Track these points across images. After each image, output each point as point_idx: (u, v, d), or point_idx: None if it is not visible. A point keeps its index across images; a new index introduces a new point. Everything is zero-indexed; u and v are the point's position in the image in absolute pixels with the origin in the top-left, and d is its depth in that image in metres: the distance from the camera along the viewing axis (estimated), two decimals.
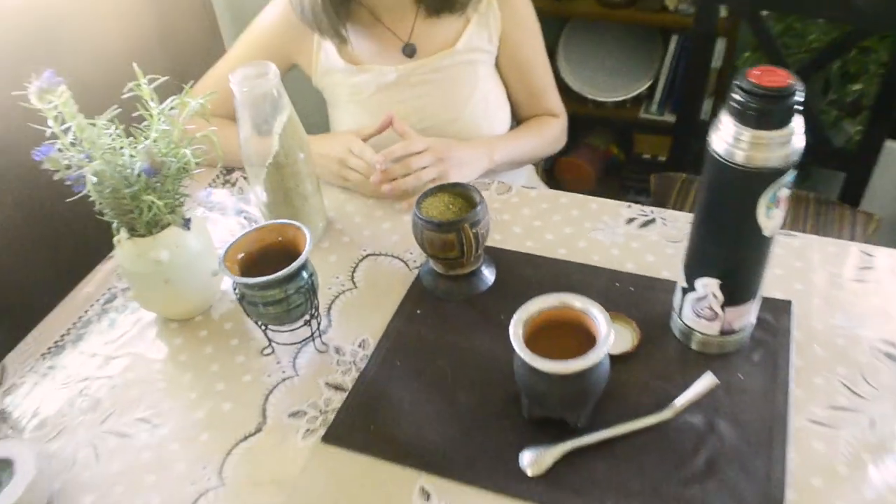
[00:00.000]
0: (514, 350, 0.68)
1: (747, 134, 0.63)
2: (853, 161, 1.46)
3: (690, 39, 1.65)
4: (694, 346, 0.80)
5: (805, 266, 0.90)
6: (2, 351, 0.90)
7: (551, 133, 1.24)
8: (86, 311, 0.94)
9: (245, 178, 1.14)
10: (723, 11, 1.82)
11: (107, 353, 0.88)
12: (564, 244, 0.96)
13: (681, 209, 1.51)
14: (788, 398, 0.74)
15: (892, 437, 0.70)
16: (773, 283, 0.87)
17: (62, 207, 0.80)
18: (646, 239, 0.96)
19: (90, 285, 0.98)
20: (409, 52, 1.14)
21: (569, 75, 2.12)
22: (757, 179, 0.64)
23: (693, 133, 1.63)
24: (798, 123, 0.63)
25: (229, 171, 1.16)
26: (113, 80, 0.82)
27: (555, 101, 1.25)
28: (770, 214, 0.66)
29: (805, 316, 0.83)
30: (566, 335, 0.70)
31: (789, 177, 0.65)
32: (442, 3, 1.10)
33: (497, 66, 1.20)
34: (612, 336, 0.67)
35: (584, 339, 0.69)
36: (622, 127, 2.20)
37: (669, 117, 2.04)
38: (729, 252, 0.71)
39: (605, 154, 2.21)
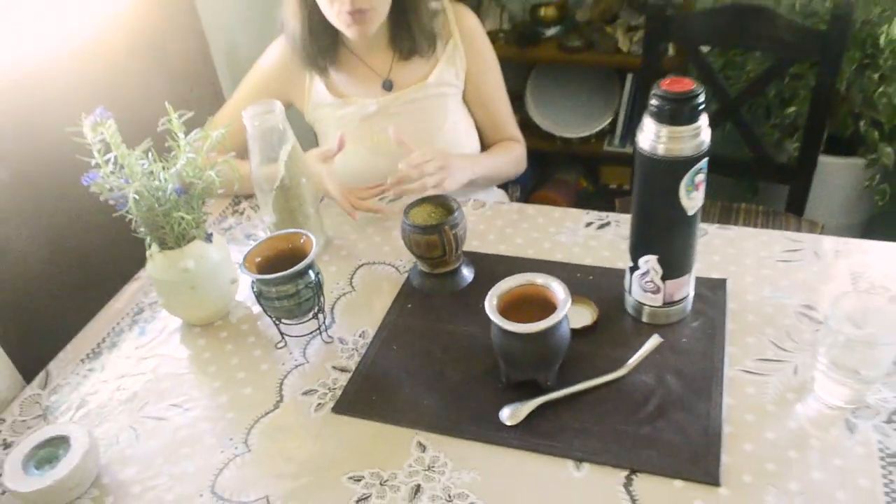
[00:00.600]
0: (491, 322, 0.82)
1: (664, 130, 0.79)
2: (794, 175, 1.63)
3: (642, 77, 1.84)
4: (644, 319, 0.94)
5: (738, 252, 1.05)
6: (44, 359, 1.02)
7: (515, 155, 1.40)
8: (118, 323, 1.07)
9: (252, 207, 1.29)
10: (672, 50, 2.03)
11: (139, 355, 1.01)
12: (532, 246, 1.11)
13: None
14: (724, 354, 0.88)
15: (811, 380, 0.84)
16: (712, 266, 1.03)
17: (90, 231, 0.94)
18: (602, 238, 1.11)
19: (120, 301, 1.11)
20: (388, 86, 1.31)
21: (537, 115, 2.31)
22: (676, 167, 0.80)
23: None
24: (703, 120, 0.79)
25: (237, 201, 1.31)
26: (134, 118, 0.98)
27: (515, 129, 1.42)
28: (690, 196, 0.82)
29: (738, 291, 0.98)
30: (533, 307, 0.84)
31: (702, 164, 0.81)
32: (412, 49, 1.28)
33: (465, 100, 1.37)
34: (570, 301, 0.82)
35: (547, 308, 0.83)
36: (589, 160, 2.39)
37: (630, 149, 2.22)
38: (661, 231, 0.86)
39: (576, 186, 2.39)
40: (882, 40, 1.61)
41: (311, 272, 0.93)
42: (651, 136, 0.80)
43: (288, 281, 0.90)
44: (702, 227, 1.09)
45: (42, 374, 0.99)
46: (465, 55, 1.32)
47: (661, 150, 0.80)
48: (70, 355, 1.02)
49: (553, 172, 2.42)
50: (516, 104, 2.36)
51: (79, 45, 1.28)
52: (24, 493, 0.77)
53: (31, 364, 1.02)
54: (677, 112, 0.78)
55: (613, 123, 2.25)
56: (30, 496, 0.77)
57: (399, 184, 1.15)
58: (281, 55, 1.30)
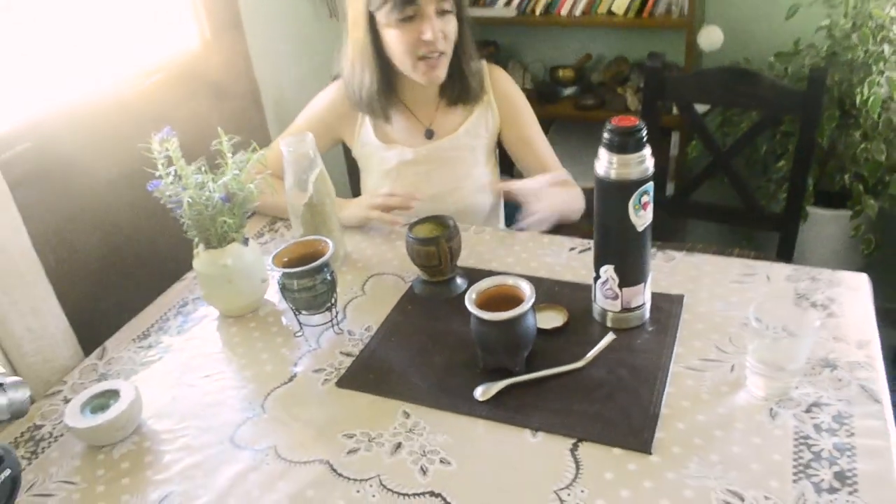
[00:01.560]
0: (470, 314, 0.99)
1: (615, 158, 0.96)
2: (782, 224, 1.77)
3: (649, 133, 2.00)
4: (608, 324, 1.09)
5: (699, 274, 1.20)
6: (101, 338, 1.22)
7: (576, 192, 1.48)
8: (165, 312, 1.27)
9: (285, 227, 1.49)
10: (675, 109, 2.21)
11: (181, 338, 1.20)
12: (520, 264, 1.28)
13: None
14: (672, 354, 1.03)
15: (744, 377, 0.98)
16: (674, 285, 1.18)
17: (144, 235, 1.15)
18: (582, 261, 1.27)
19: (168, 296, 1.31)
20: (429, 135, 1.50)
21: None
22: (625, 189, 0.97)
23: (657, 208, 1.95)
24: (647, 150, 0.97)
25: (273, 221, 1.52)
26: (191, 145, 1.19)
27: (561, 168, 1.52)
28: (638, 214, 0.99)
29: (693, 304, 1.13)
30: (506, 304, 1.00)
31: (647, 187, 0.97)
32: (458, 97, 1.47)
33: (507, 147, 1.53)
34: (534, 298, 0.98)
35: (517, 304, 0.99)
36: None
37: None
38: (617, 244, 1.03)
39: (589, 232, 2.54)
40: (858, 100, 1.77)
41: (326, 271, 1.12)
42: (605, 164, 0.98)
43: (306, 275, 1.09)
44: (670, 253, 1.26)
45: (99, 349, 1.19)
46: (498, 109, 1.50)
47: (612, 174, 0.97)
48: (124, 335, 1.22)
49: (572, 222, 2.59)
50: None
51: (151, 82, 1.53)
52: (79, 429, 0.95)
53: (90, 343, 1.22)
54: (624, 143, 0.95)
55: None
56: (84, 432, 0.96)
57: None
58: (338, 97, 1.49)
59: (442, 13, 1.32)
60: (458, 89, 1.45)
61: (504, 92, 1.51)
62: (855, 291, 1.13)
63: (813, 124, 1.63)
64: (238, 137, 1.15)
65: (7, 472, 0.74)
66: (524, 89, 2.54)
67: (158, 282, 1.33)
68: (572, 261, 1.28)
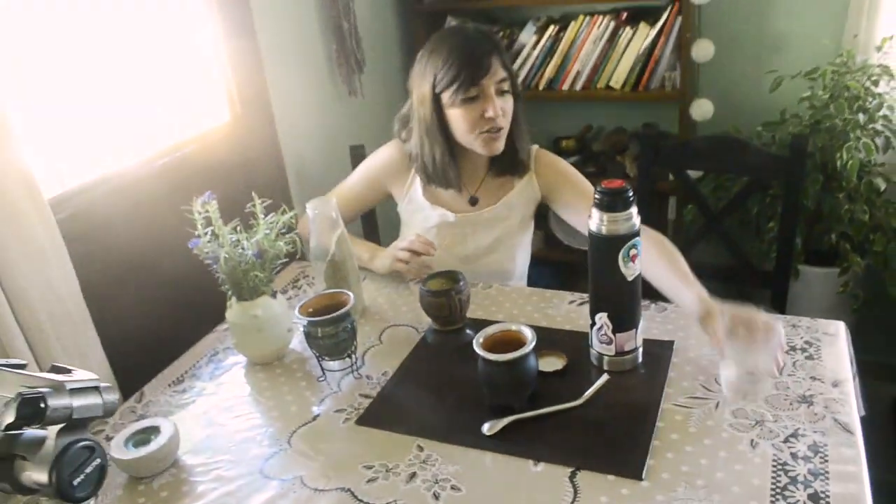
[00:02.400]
0: (478, 357, 1.09)
1: (605, 216, 1.09)
2: (774, 282, 1.88)
3: (638, 197, 2.11)
4: (604, 367, 1.19)
5: (687, 323, 1.30)
6: (138, 384, 1.33)
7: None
8: (198, 361, 1.38)
9: (308, 284, 1.62)
10: (672, 175, 2.35)
11: (213, 383, 1.31)
12: (524, 316, 1.39)
13: None
14: (662, 393, 1.13)
15: (730, 414, 1.07)
16: (664, 333, 1.28)
17: (178, 289, 1.27)
18: (581, 312, 1.38)
19: (200, 346, 1.43)
20: (473, 201, 1.62)
21: (559, 231, 2.63)
22: (614, 243, 1.09)
23: None
24: (634, 209, 1.09)
25: (297, 279, 1.64)
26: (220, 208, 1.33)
27: None
28: (627, 266, 1.10)
29: (682, 350, 1.23)
30: (510, 347, 1.11)
31: (635, 241, 1.09)
32: (507, 168, 1.58)
33: (565, 209, 1.59)
34: (535, 341, 1.08)
35: (520, 348, 1.10)
36: None
37: None
38: (609, 293, 1.14)
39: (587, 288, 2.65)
40: (839, 165, 1.90)
41: (347, 320, 1.23)
42: (597, 221, 1.10)
43: (329, 324, 1.21)
44: (662, 305, 1.37)
45: (138, 394, 1.30)
46: (540, 185, 1.60)
47: (604, 230, 1.09)
48: (160, 381, 1.33)
49: (575, 281, 2.70)
50: (541, 222, 2.72)
51: (188, 151, 1.70)
52: (123, 461, 1.06)
53: (128, 388, 1.32)
54: (613, 202, 1.08)
55: None
56: (127, 463, 1.06)
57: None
58: (393, 155, 1.62)
59: (501, 93, 1.46)
60: (509, 161, 1.57)
61: (550, 167, 1.61)
62: (832, 336, 1.23)
63: (797, 188, 1.76)
64: (270, 200, 1.29)
65: (98, 461, 0.86)
66: None
67: (191, 333, 1.44)
68: (571, 312, 1.39)
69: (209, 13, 1.80)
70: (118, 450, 1.08)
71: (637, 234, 1.10)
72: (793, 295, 1.96)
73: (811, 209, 2.05)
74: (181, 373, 1.35)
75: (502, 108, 1.46)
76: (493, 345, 1.12)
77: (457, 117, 1.47)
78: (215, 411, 1.23)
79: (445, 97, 1.46)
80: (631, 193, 1.09)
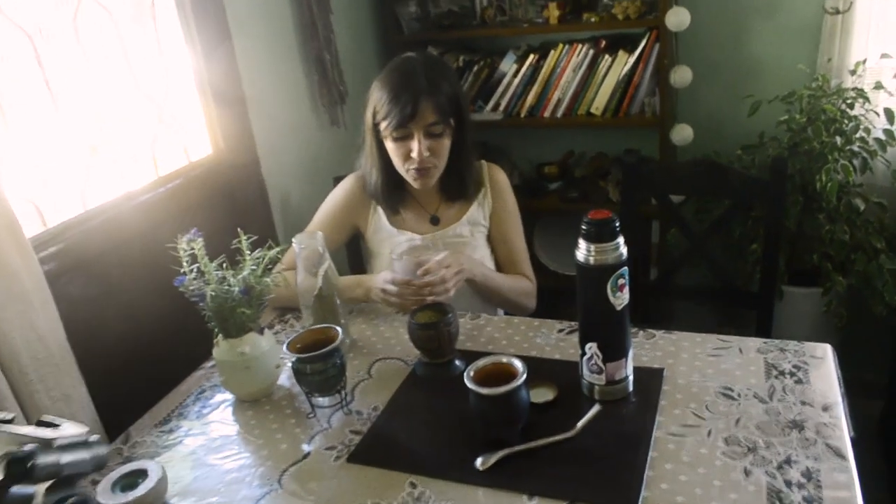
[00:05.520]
0: (469, 391, 1.09)
1: (592, 247, 1.09)
2: (757, 303, 1.89)
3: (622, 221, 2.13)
4: (596, 396, 1.19)
5: (677, 350, 1.31)
6: (124, 424, 1.30)
7: (523, 286, 1.68)
8: (185, 399, 1.36)
9: (295, 318, 1.60)
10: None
11: (200, 422, 1.29)
12: (513, 346, 1.39)
13: None
14: (654, 422, 1.12)
15: (723, 441, 1.07)
16: (654, 360, 1.29)
17: (164, 328, 1.26)
18: (570, 341, 1.38)
19: (187, 384, 1.41)
20: (435, 221, 1.66)
21: (544, 256, 2.65)
22: (601, 273, 1.09)
23: (643, 292, 2.07)
24: (620, 239, 1.10)
25: (284, 313, 1.63)
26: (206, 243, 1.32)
27: (528, 269, 1.71)
28: (616, 295, 1.11)
29: (672, 377, 1.23)
30: (501, 380, 1.10)
31: (622, 271, 1.10)
32: (458, 194, 1.63)
33: (488, 238, 1.69)
34: (525, 375, 1.08)
35: (511, 381, 1.10)
36: None
37: None
38: (598, 323, 1.14)
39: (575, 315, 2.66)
40: (818, 186, 1.93)
41: (336, 355, 1.22)
42: (584, 252, 1.11)
43: (319, 360, 1.20)
44: (651, 332, 1.38)
45: (124, 435, 1.27)
46: (493, 202, 1.67)
47: (591, 261, 1.10)
48: (147, 421, 1.31)
49: (560, 305, 2.70)
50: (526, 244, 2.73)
51: (172, 186, 1.69)
52: None
53: (115, 428, 1.30)
54: (600, 233, 1.09)
55: None
56: None
57: (426, 275, 1.39)
58: (352, 189, 1.65)
59: (432, 135, 1.49)
60: (456, 188, 1.62)
61: (499, 189, 1.68)
62: (820, 360, 1.24)
63: (778, 210, 1.78)
64: (256, 236, 1.28)
65: None
66: (513, 185, 2.73)
67: (177, 371, 1.42)
68: (560, 341, 1.39)
69: (189, 50, 1.80)
70: (105, 495, 1.05)
71: (625, 263, 1.11)
72: (778, 315, 1.98)
73: (793, 230, 2.07)
74: (168, 412, 1.33)
75: (431, 149, 1.50)
76: (485, 377, 1.11)
77: (390, 149, 1.53)
78: (203, 451, 1.21)
79: (381, 129, 1.51)
80: (617, 223, 1.10)
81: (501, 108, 2.51)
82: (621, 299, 1.12)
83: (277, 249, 1.30)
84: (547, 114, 2.45)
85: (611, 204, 2.44)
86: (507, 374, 1.11)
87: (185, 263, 1.24)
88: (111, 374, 1.43)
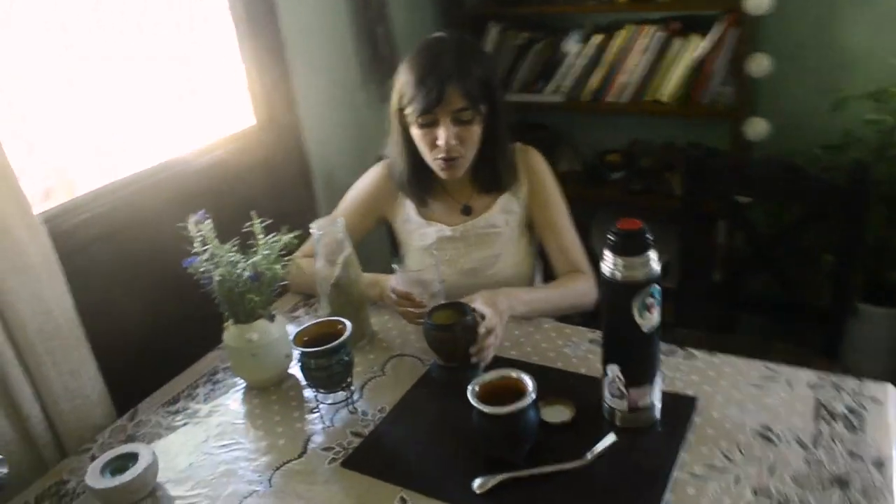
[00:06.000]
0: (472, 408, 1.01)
1: (619, 260, 0.98)
2: (827, 320, 1.72)
3: (683, 219, 1.99)
4: (617, 422, 1.09)
5: (717, 375, 1.18)
6: (137, 400, 1.29)
7: (576, 286, 1.48)
8: (196, 380, 1.34)
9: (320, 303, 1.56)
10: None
11: (207, 406, 1.26)
12: (538, 353, 1.29)
13: None
14: (676, 458, 1.01)
15: (751, 492, 0.95)
16: (690, 385, 1.17)
17: (183, 305, 1.23)
18: (599, 353, 1.27)
19: (201, 364, 1.38)
20: (466, 211, 1.55)
21: (601, 251, 2.50)
22: (628, 290, 0.98)
23: (705, 296, 1.92)
24: (652, 253, 0.98)
25: (309, 297, 1.58)
26: (240, 219, 1.28)
27: (580, 257, 1.55)
28: (643, 315, 0.99)
29: (706, 407, 1.11)
30: (509, 397, 1.02)
31: (652, 289, 0.98)
32: (490, 185, 1.53)
33: (532, 227, 1.56)
34: (534, 395, 0.99)
35: (521, 397, 1.01)
36: None
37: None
38: (622, 344, 1.03)
39: None
40: None
41: (343, 352, 1.16)
42: (610, 265, 0.99)
43: (323, 356, 1.14)
44: (692, 352, 1.25)
45: (131, 411, 1.26)
46: (528, 187, 1.54)
47: (617, 275, 0.99)
48: (156, 399, 1.29)
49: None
50: (583, 237, 2.59)
51: (211, 158, 1.66)
52: (95, 489, 1.02)
53: (127, 403, 1.29)
54: (628, 245, 0.97)
55: (671, 263, 2.41)
56: (100, 492, 1.02)
57: (481, 351, 1.23)
58: (380, 178, 1.57)
59: (460, 122, 1.38)
60: (489, 180, 1.51)
61: (535, 172, 1.55)
62: (878, 405, 1.09)
63: (858, 220, 1.60)
64: (270, 220, 1.23)
65: None
66: (573, 172, 2.61)
67: (194, 349, 1.40)
68: (589, 353, 1.28)
69: (232, 14, 1.75)
70: (93, 477, 1.04)
71: (655, 280, 0.99)
72: (850, 335, 1.80)
73: (873, 243, 1.87)
74: (177, 392, 1.31)
75: (459, 136, 1.39)
76: (491, 393, 1.03)
77: (416, 137, 1.43)
78: (203, 437, 1.18)
79: (407, 114, 1.41)
80: (649, 235, 0.98)
81: (563, 89, 2.37)
82: (649, 321, 1.00)
83: (292, 235, 1.24)
84: (611, 98, 2.30)
85: (674, 198, 2.28)
86: (516, 391, 1.02)
87: (197, 244, 1.20)
88: (126, 351, 1.43)
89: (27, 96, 1.36)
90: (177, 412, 1.25)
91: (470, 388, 1.02)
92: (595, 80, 2.30)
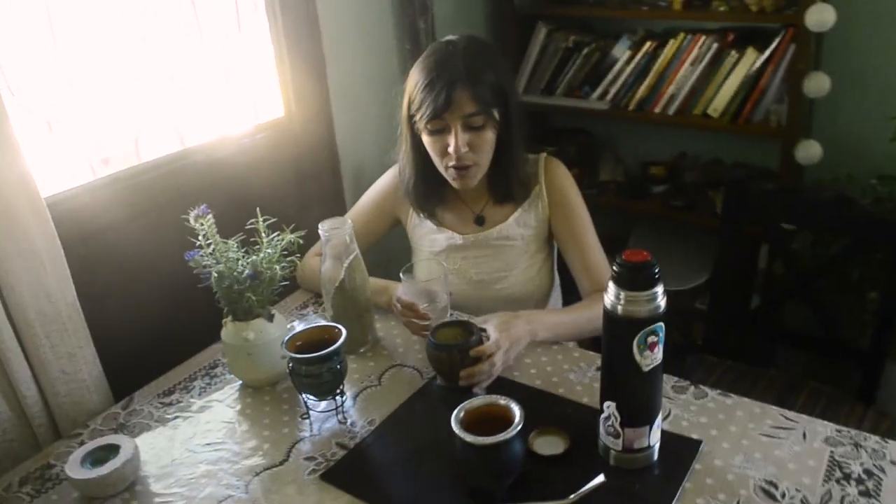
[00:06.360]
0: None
1: (622, 293, 0.92)
2: (865, 361, 1.61)
3: (721, 242, 1.88)
4: (611, 462, 1.02)
5: (727, 419, 1.11)
6: (136, 386, 1.29)
7: (599, 312, 1.46)
8: (194, 372, 1.33)
9: None
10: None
11: (200, 401, 1.25)
12: (542, 377, 1.24)
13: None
14: None
15: None
16: (696, 427, 1.09)
17: (189, 297, 1.21)
18: None
19: (201, 356, 1.38)
20: (480, 221, 1.50)
21: None
22: (630, 327, 0.92)
23: (739, 322, 1.83)
24: (659, 288, 0.91)
25: (319, 296, 1.56)
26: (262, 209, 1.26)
27: (607, 276, 1.49)
28: (643, 354, 0.93)
29: (710, 454, 1.04)
30: (495, 425, 0.96)
31: (655, 327, 0.92)
32: (505, 196, 1.47)
33: (555, 242, 1.50)
34: (520, 426, 0.94)
35: (507, 427, 0.96)
36: (678, 314, 2.41)
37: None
38: (620, 381, 0.97)
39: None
40: None
41: (335, 360, 1.13)
42: (612, 297, 0.93)
43: (312, 363, 1.11)
44: (703, 389, 1.18)
45: (126, 399, 1.26)
46: (549, 202, 1.47)
47: (619, 309, 0.92)
48: (152, 388, 1.29)
49: None
50: (619, 250, 2.50)
51: (233, 149, 1.65)
52: (73, 480, 1.02)
53: (128, 389, 1.29)
54: (634, 278, 0.91)
55: (709, 283, 2.30)
56: (77, 483, 1.02)
57: (470, 377, 1.16)
58: (396, 180, 1.52)
59: (472, 127, 1.32)
60: (503, 190, 1.45)
61: (557, 186, 1.47)
62: None
63: None
64: (275, 218, 1.21)
65: None
66: (614, 182, 2.52)
67: (197, 339, 1.39)
68: (595, 381, 1.22)
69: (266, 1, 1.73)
70: (73, 467, 1.03)
71: (660, 318, 0.92)
72: (889, 380, 1.68)
73: None
74: (174, 383, 1.30)
75: (470, 143, 1.33)
76: (476, 421, 0.98)
77: (426, 145, 1.38)
78: (191, 433, 1.17)
79: (416, 121, 1.36)
80: (657, 270, 0.91)
81: (609, 96, 2.29)
82: (650, 360, 0.94)
83: (295, 235, 1.22)
84: (658, 109, 2.20)
85: (716, 218, 2.17)
86: (503, 420, 0.97)
87: (200, 238, 1.18)
88: (128, 338, 1.42)
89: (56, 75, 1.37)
90: (170, 404, 1.25)
91: (455, 413, 0.97)
92: (642, 88, 2.21)
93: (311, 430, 1.15)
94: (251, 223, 1.20)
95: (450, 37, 1.38)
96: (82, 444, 1.15)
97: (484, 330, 1.21)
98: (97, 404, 1.26)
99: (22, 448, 1.19)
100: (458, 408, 0.98)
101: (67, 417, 1.23)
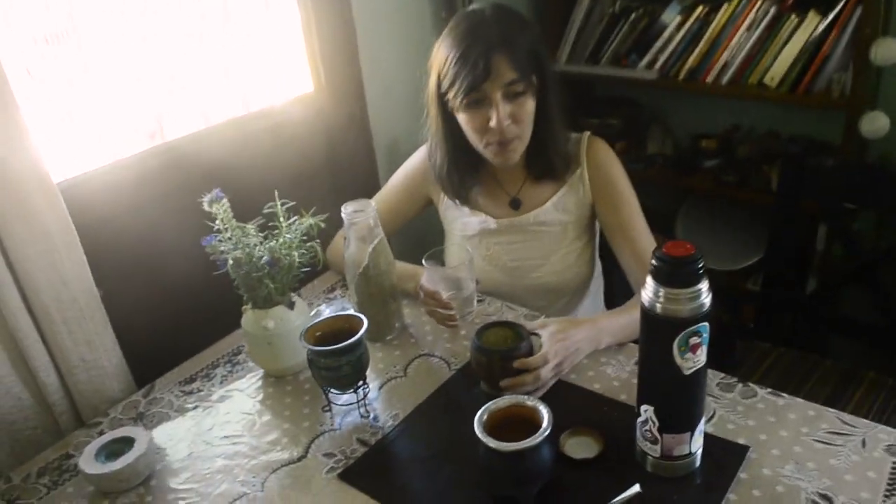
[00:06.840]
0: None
1: (662, 291, 0.83)
2: None
3: (774, 221, 1.74)
4: (648, 468, 0.95)
5: (777, 422, 1.01)
6: (157, 374, 1.27)
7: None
8: (217, 359, 1.30)
9: None
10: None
11: (221, 390, 1.22)
12: (577, 372, 1.16)
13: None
14: None
15: None
16: (743, 430, 1.01)
17: (211, 284, 1.17)
18: None
19: (224, 342, 1.34)
20: (515, 205, 1.41)
21: None
22: (670, 327, 0.83)
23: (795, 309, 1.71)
24: (703, 285, 0.82)
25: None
26: (291, 192, 1.19)
27: None
28: (685, 356, 0.84)
29: (758, 461, 0.95)
30: (521, 428, 0.90)
31: (699, 327, 0.83)
32: (544, 173, 1.37)
33: (603, 229, 1.40)
34: (549, 430, 0.87)
35: (535, 430, 0.89)
36: (729, 295, 2.28)
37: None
38: (658, 384, 0.89)
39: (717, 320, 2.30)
40: None
41: (356, 352, 1.07)
42: (650, 294, 0.84)
43: (331, 356, 1.05)
44: (752, 387, 1.09)
45: (147, 387, 1.24)
46: (591, 185, 1.37)
47: (658, 308, 0.84)
48: (174, 376, 1.26)
49: None
50: (667, 227, 2.38)
51: (266, 123, 1.60)
52: (87, 474, 0.99)
53: (150, 376, 1.26)
54: (674, 275, 0.82)
55: (762, 264, 2.17)
56: (90, 477, 0.99)
57: (512, 387, 1.07)
58: (425, 160, 1.44)
59: (513, 96, 1.23)
60: (542, 167, 1.36)
61: (600, 168, 1.37)
62: None
63: None
64: (293, 202, 1.15)
65: None
66: (662, 155, 2.38)
67: (217, 326, 1.35)
68: (633, 376, 1.13)
69: None
70: (86, 461, 1.01)
71: (704, 317, 0.83)
72: None
73: None
74: (195, 371, 1.27)
75: (513, 115, 1.23)
76: (502, 423, 0.91)
77: (463, 122, 1.29)
78: (209, 425, 1.14)
79: (449, 98, 1.26)
80: (701, 265, 0.82)
81: (658, 65, 2.15)
82: (692, 362, 0.85)
83: (318, 218, 1.16)
84: (710, 78, 2.05)
85: (771, 195, 2.03)
86: (530, 423, 0.90)
87: (219, 222, 1.13)
88: (149, 326, 1.39)
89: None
90: (191, 393, 1.22)
91: (478, 415, 0.91)
92: (693, 56, 2.06)
93: (332, 424, 1.10)
94: (268, 207, 1.14)
95: (474, 6, 1.29)
96: (101, 433, 1.12)
97: (538, 336, 1.13)
98: (119, 392, 1.23)
99: (45, 435, 1.18)
100: (482, 409, 0.91)
101: (88, 405, 1.21)
